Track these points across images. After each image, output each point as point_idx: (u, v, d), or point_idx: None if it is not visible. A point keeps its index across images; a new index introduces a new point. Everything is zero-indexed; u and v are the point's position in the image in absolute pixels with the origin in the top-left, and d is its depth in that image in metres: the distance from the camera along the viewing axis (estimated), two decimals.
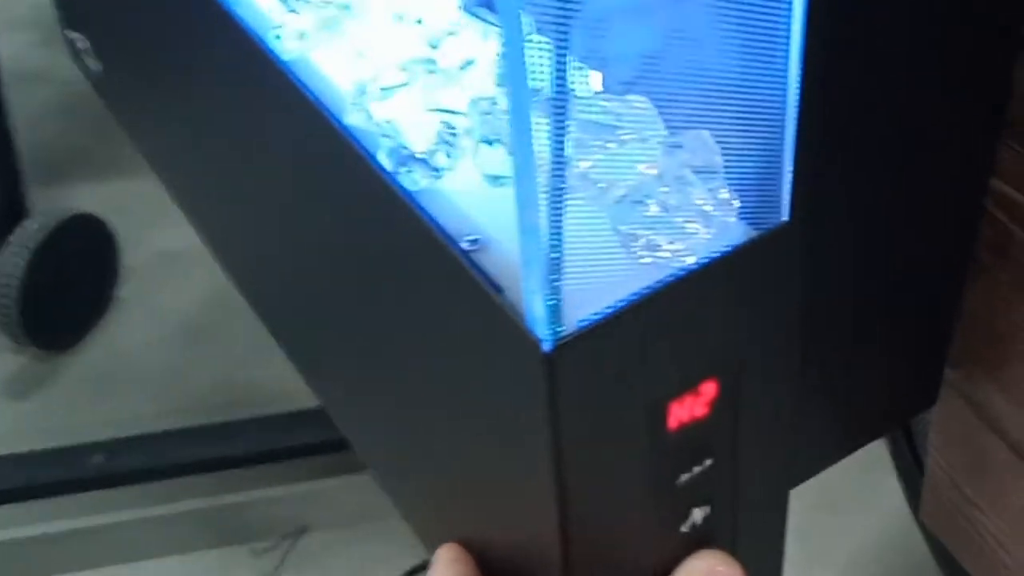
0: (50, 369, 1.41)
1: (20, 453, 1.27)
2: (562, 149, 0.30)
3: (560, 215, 0.31)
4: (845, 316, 0.43)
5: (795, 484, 0.45)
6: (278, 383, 1.25)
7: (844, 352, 0.44)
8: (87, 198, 1.49)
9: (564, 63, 0.29)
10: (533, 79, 0.29)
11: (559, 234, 0.31)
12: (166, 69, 0.54)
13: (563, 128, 0.30)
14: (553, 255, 0.31)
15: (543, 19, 0.28)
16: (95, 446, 1.28)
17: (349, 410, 0.52)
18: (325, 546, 1.28)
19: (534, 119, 0.29)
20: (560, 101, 0.29)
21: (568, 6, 0.28)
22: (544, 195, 0.30)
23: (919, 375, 0.49)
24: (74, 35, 0.63)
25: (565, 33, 0.28)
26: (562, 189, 0.30)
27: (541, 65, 0.29)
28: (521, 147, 0.29)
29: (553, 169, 0.30)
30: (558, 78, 0.29)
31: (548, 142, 0.29)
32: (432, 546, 0.43)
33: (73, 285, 1.44)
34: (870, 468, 0.90)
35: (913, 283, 0.44)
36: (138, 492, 1.28)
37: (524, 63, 0.28)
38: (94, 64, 0.62)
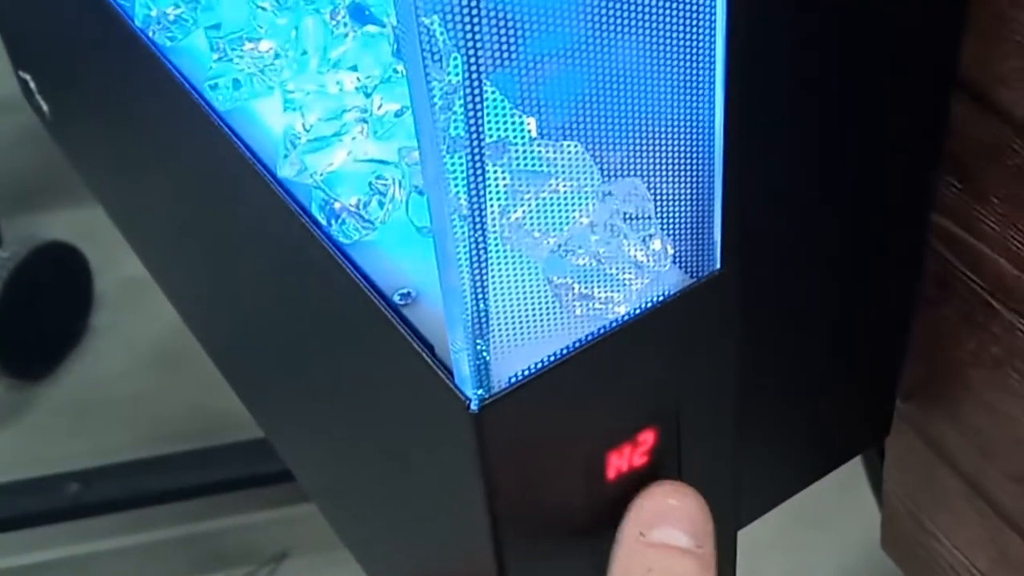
0: (24, 399, 1.41)
1: None
2: (483, 202, 0.30)
3: (484, 271, 0.30)
4: (790, 355, 0.43)
5: (744, 524, 0.45)
6: None
7: (791, 390, 0.44)
8: (57, 226, 1.48)
9: (479, 107, 0.28)
10: (446, 128, 0.28)
11: (484, 292, 0.30)
12: (107, 115, 0.54)
13: (482, 180, 0.29)
14: (478, 314, 0.30)
15: (464, 61, 0.28)
16: (70, 476, 1.27)
17: (291, 448, 0.51)
18: (305, 571, 1.27)
19: (447, 170, 0.28)
20: (476, 150, 0.29)
21: (475, 42, 0.27)
22: (464, 250, 0.30)
23: (870, 409, 0.49)
24: (26, 75, 0.63)
25: (478, 75, 0.28)
26: (484, 243, 0.30)
27: (458, 112, 0.28)
28: (437, 203, 0.29)
29: (474, 224, 0.30)
30: (473, 124, 0.28)
31: (466, 194, 0.29)
32: None
33: (46, 314, 1.43)
34: (856, 482, 0.89)
35: (858, 320, 0.44)
36: (115, 521, 1.27)
37: (433, 110, 0.28)
38: (44, 104, 0.62)
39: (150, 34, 0.43)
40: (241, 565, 1.27)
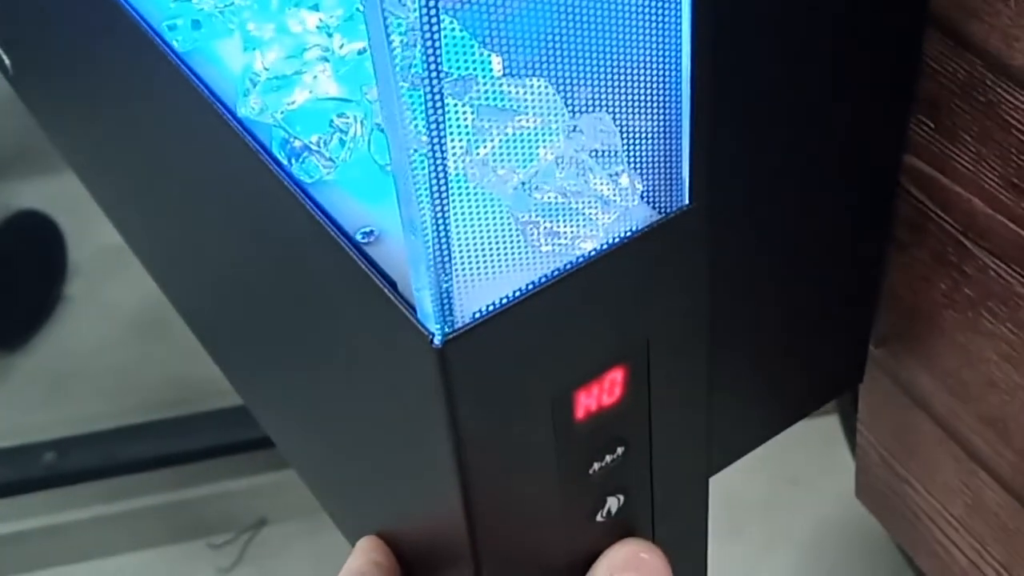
0: None
1: None
2: (443, 138, 0.29)
3: (445, 206, 0.30)
4: (762, 297, 0.42)
5: (717, 470, 0.44)
6: None
7: (762, 334, 0.43)
8: (29, 195, 1.47)
9: (435, 40, 0.28)
10: (403, 64, 0.28)
11: (445, 226, 0.30)
12: (67, 64, 0.53)
13: (441, 115, 0.29)
14: (440, 250, 0.30)
15: None
16: (46, 445, 1.27)
17: (266, 407, 0.51)
18: (284, 538, 1.27)
19: (405, 105, 0.28)
20: (435, 85, 0.28)
21: None
22: (425, 187, 0.29)
23: (843, 353, 0.48)
24: None
25: (434, 8, 0.27)
26: (444, 178, 0.29)
27: (415, 46, 0.28)
28: (396, 140, 0.29)
29: (433, 160, 0.29)
30: (431, 58, 0.28)
31: (426, 130, 0.28)
32: (353, 539, 0.42)
33: (20, 284, 1.42)
34: (833, 440, 0.90)
35: (831, 262, 0.44)
36: (93, 490, 1.27)
37: (388, 41, 0.27)
38: (5, 57, 0.61)
39: None
40: (220, 532, 1.27)
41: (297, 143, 0.35)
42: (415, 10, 0.27)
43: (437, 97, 0.28)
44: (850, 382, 0.50)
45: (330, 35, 0.39)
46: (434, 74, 0.28)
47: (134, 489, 1.28)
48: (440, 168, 0.29)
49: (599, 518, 0.38)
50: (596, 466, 0.37)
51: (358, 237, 0.34)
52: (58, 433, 1.28)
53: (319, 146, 0.35)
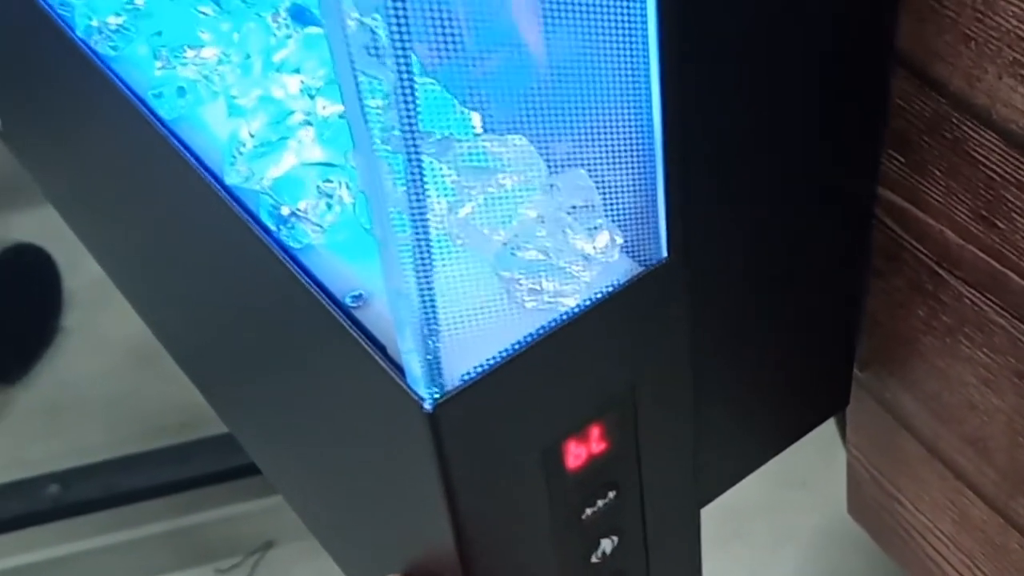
0: None
1: None
2: (423, 200, 0.29)
3: (429, 270, 0.30)
4: (747, 332, 0.43)
5: (708, 501, 0.45)
6: None
7: (748, 368, 0.44)
8: (22, 227, 1.47)
9: (412, 101, 0.28)
10: (379, 125, 0.28)
11: (430, 290, 0.31)
12: (56, 127, 0.54)
13: (420, 177, 0.29)
14: (426, 313, 0.31)
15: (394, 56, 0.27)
16: (50, 477, 1.27)
17: (260, 452, 0.52)
18: (291, 559, 1.28)
19: (384, 169, 0.28)
20: (413, 147, 0.28)
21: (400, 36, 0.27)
22: (408, 250, 0.30)
23: (829, 379, 0.49)
24: None
25: (407, 69, 0.28)
26: (427, 242, 0.30)
27: (392, 108, 0.28)
28: (376, 203, 0.29)
29: (415, 222, 0.30)
30: (407, 118, 0.28)
31: (406, 193, 0.29)
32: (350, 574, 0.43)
33: (17, 317, 1.43)
34: (834, 443, 0.90)
35: (813, 293, 0.45)
36: (98, 520, 1.27)
37: (363, 105, 0.27)
38: None
39: (92, 44, 0.43)
40: (227, 557, 1.28)
41: (285, 210, 0.36)
42: (390, 72, 0.27)
43: (415, 159, 0.28)
44: (837, 406, 0.51)
45: (312, 97, 0.40)
46: (410, 136, 0.28)
47: (139, 518, 1.29)
48: (422, 231, 0.30)
49: (594, 559, 0.39)
50: (589, 511, 0.37)
51: (347, 301, 0.35)
52: (60, 465, 1.28)
53: (306, 212, 0.36)
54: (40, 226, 1.46)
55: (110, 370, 1.41)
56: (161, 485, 1.27)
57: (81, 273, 1.47)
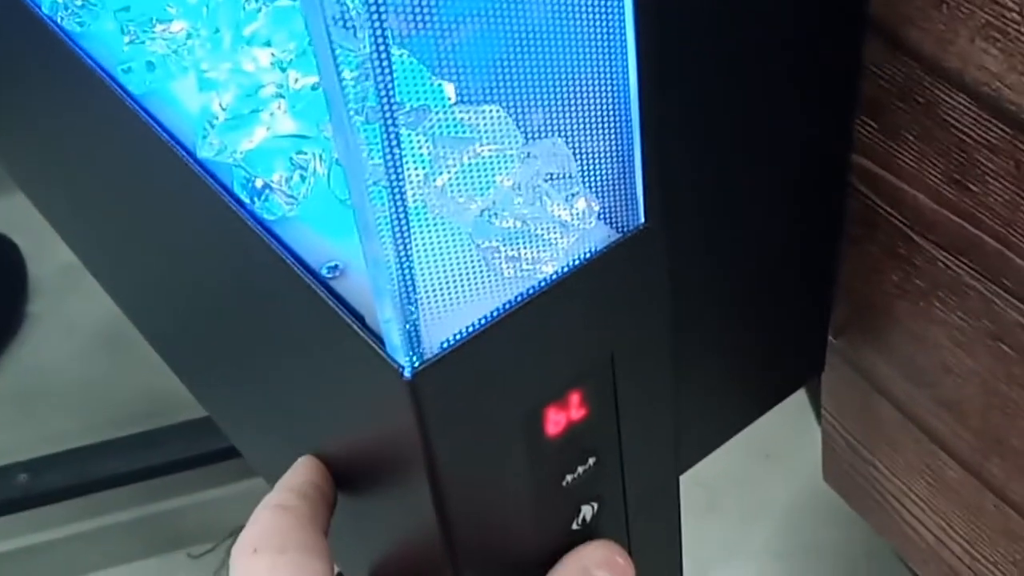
0: None
1: None
2: (400, 170, 0.30)
3: (407, 239, 0.30)
4: (723, 300, 0.43)
5: (687, 467, 0.46)
6: None
7: (726, 334, 0.45)
8: None
9: (387, 72, 0.28)
10: (356, 98, 0.28)
11: (408, 259, 0.31)
12: (22, 107, 0.53)
13: (396, 147, 0.29)
14: (404, 282, 0.31)
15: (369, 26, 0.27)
16: (19, 466, 1.26)
17: (237, 431, 0.51)
18: None
19: (361, 140, 0.28)
20: (390, 117, 0.29)
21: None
22: (385, 219, 0.30)
23: (804, 346, 0.50)
24: None
25: (383, 39, 0.28)
26: (404, 211, 0.30)
27: (367, 79, 0.28)
28: (353, 174, 0.29)
29: (392, 192, 0.30)
30: (383, 89, 0.28)
31: (383, 163, 0.29)
32: (339, 562, 0.43)
33: None
34: (803, 414, 0.91)
35: (787, 260, 0.45)
36: (68, 508, 1.26)
37: (340, 76, 0.27)
38: None
39: (58, 20, 0.43)
40: (199, 542, 1.27)
41: (258, 182, 0.36)
42: (365, 42, 0.27)
43: (392, 129, 0.29)
44: (812, 372, 0.51)
45: (284, 70, 0.39)
46: (388, 106, 0.28)
47: (110, 505, 1.28)
48: (399, 200, 0.30)
49: (575, 526, 0.39)
50: (569, 478, 0.38)
51: (324, 272, 0.35)
52: (29, 453, 1.27)
53: (280, 184, 0.36)
54: (3, 214, 1.45)
55: (78, 357, 1.40)
56: (132, 472, 1.27)
57: (46, 260, 1.46)
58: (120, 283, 0.57)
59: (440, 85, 0.37)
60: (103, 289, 0.59)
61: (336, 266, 0.35)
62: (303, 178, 0.36)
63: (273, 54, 0.40)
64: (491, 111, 0.36)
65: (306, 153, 0.37)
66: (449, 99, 0.37)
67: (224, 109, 0.37)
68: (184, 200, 0.40)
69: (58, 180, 0.56)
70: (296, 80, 0.38)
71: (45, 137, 0.53)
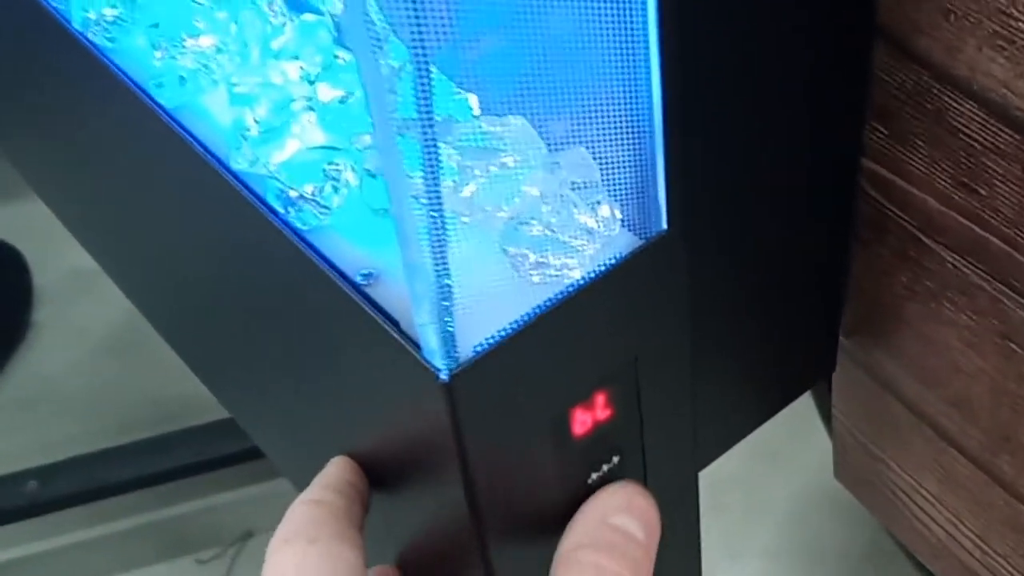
0: None
1: None
2: (437, 180, 0.31)
3: (444, 247, 0.32)
4: (737, 302, 0.44)
5: (704, 465, 0.47)
6: (207, 392, 1.25)
7: (741, 336, 0.46)
8: None
9: (427, 89, 0.29)
10: (399, 109, 0.29)
11: (445, 266, 0.32)
12: (53, 121, 0.54)
13: (435, 159, 0.30)
14: (441, 287, 0.32)
15: (410, 45, 0.29)
16: (28, 473, 1.27)
17: (263, 433, 0.52)
18: None
19: (403, 151, 0.29)
20: (428, 130, 0.30)
21: (424, 28, 0.28)
22: (424, 228, 0.31)
23: (816, 346, 0.51)
24: None
25: (424, 57, 0.29)
26: (442, 220, 0.31)
27: (407, 93, 0.29)
28: (395, 182, 0.30)
29: (430, 201, 0.31)
30: (423, 105, 0.29)
31: (422, 174, 0.30)
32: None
33: None
34: (808, 414, 0.92)
35: (799, 263, 0.46)
36: (76, 515, 1.27)
37: (385, 92, 0.29)
38: None
39: (89, 36, 0.44)
40: (207, 548, 1.28)
41: (293, 193, 0.37)
42: (402, 55, 0.29)
43: (431, 143, 0.30)
44: (823, 372, 0.52)
45: (312, 83, 0.40)
46: (427, 122, 0.29)
47: (118, 511, 1.29)
48: (437, 211, 0.31)
49: None
50: (594, 475, 0.39)
51: (359, 279, 0.36)
52: (37, 460, 1.28)
53: (313, 194, 0.37)
54: (7, 222, 1.46)
55: (84, 363, 1.41)
56: (139, 478, 1.28)
57: (50, 268, 1.46)
58: (142, 287, 0.58)
59: (465, 97, 0.38)
60: (122, 292, 0.60)
61: (370, 273, 0.36)
62: (336, 189, 0.38)
63: (301, 67, 0.41)
64: (515, 121, 0.37)
65: (337, 164, 0.38)
66: (473, 111, 0.38)
67: (257, 122, 0.39)
68: (218, 210, 0.41)
69: (83, 187, 0.57)
70: (324, 93, 0.40)
71: (71, 146, 0.54)
